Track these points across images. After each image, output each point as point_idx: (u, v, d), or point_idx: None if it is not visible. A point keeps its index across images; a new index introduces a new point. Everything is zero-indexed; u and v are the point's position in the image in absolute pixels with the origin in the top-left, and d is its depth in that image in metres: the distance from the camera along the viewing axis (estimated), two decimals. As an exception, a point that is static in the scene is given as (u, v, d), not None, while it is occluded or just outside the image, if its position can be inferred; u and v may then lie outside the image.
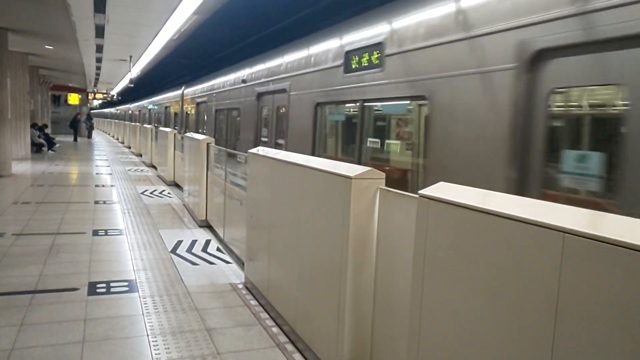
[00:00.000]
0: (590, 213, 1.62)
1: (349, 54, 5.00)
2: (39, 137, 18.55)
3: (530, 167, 2.89)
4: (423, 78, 3.81)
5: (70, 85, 29.78)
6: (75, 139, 26.33)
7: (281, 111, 7.02)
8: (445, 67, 3.56)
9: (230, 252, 5.77)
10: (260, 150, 4.46)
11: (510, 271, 1.66)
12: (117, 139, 30.40)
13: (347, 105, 5.31)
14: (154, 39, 11.88)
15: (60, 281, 4.50)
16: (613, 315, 1.34)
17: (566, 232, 1.46)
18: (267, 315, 3.93)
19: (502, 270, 1.69)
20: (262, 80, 7.77)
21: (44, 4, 8.68)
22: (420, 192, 2.13)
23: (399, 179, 4.38)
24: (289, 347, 3.42)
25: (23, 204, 8.14)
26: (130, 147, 22.78)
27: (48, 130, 21.25)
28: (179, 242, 6.14)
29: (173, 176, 11.51)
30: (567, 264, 1.46)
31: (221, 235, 6.33)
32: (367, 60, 4.65)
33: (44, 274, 4.65)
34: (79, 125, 27.13)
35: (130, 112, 32.18)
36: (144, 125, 18.23)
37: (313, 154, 5.62)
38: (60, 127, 30.70)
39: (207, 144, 7.29)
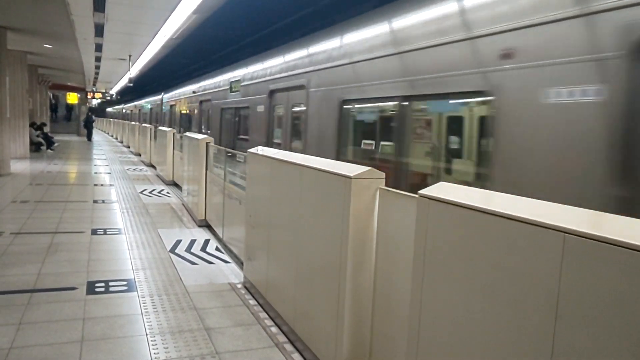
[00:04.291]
0: (591, 213, 1.62)
1: None
2: (38, 136, 18.53)
3: None
4: None
5: (69, 84, 29.80)
6: (89, 138, 26.81)
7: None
8: None
9: (229, 252, 5.77)
10: (260, 149, 4.46)
11: (510, 271, 1.66)
12: (116, 138, 30.38)
13: None
14: (153, 38, 11.87)
15: (59, 280, 4.49)
16: (613, 315, 1.34)
17: (567, 232, 1.46)
18: (266, 315, 3.93)
19: (502, 270, 1.69)
20: None
21: (43, 2, 8.66)
22: (420, 192, 2.13)
23: None
24: (288, 346, 3.41)
25: (22, 203, 8.12)
26: (129, 147, 22.77)
27: (47, 129, 21.24)
28: (178, 242, 6.13)
29: (172, 175, 11.50)
30: (568, 264, 1.46)
31: (220, 234, 6.32)
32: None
33: (42, 273, 4.64)
34: (92, 125, 27.47)
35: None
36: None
37: None
38: (59, 127, 30.77)
39: (207, 143, 7.28)
